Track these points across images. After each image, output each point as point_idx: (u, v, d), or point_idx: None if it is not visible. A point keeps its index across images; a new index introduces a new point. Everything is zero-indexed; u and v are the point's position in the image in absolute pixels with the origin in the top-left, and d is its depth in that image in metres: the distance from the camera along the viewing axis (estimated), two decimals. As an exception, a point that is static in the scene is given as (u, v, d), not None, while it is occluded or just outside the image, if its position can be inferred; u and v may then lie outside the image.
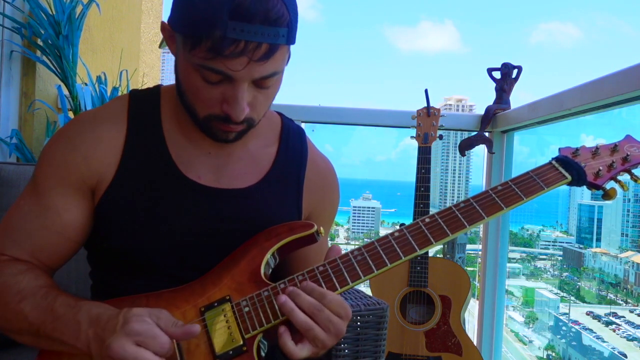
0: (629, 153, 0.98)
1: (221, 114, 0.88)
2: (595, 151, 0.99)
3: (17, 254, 0.95)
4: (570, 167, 0.95)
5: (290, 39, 0.84)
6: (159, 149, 0.97)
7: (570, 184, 0.95)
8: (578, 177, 0.95)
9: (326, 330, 0.84)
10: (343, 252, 0.92)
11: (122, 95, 1.03)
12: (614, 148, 0.99)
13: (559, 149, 0.99)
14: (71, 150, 0.95)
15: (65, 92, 2.21)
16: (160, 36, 4.00)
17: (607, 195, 0.96)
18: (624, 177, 0.99)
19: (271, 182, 1.01)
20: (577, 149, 0.99)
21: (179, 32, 0.86)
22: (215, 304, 0.89)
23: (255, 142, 1.02)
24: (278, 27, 0.81)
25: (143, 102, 1.00)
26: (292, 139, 1.06)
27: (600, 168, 0.96)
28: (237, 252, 0.95)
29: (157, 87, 1.03)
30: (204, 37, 0.80)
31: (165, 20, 0.91)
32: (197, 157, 0.98)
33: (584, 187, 0.97)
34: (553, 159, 0.97)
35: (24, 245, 0.95)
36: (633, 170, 0.99)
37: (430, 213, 0.94)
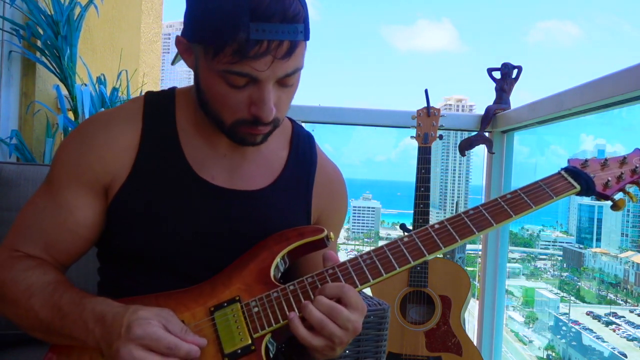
0: (637, 165, 0.99)
1: (249, 117, 0.89)
2: (604, 163, 1.00)
3: (30, 250, 0.96)
4: (579, 177, 0.96)
5: (307, 35, 0.86)
6: (173, 149, 0.98)
7: (579, 193, 0.96)
8: (587, 187, 0.96)
9: (344, 328, 0.85)
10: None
11: (137, 97, 1.04)
12: (622, 160, 1.00)
13: (568, 160, 1.01)
14: (86, 149, 0.96)
15: (65, 92, 2.21)
16: (160, 37, 4.00)
17: (616, 205, 0.97)
18: (633, 189, 1.00)
19: (282, 185, 1.03)
20: (586, 160, 1.00)
21: (199, 42, 0.87)
22: (225, 304, 0.90)
23: (268, 145, 1.02)
24: (296, 24, 0.83)
25: (158, 103, 1.01)
26: (302, 144, 1.08)
27: (609, 179, 0.97)
28: (247, 255, 0.95)
29: (173, 89, 1.04)
30: (228, 42, 0.81)
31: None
32: (211, 158, 0.99)
33: (592, 196, 0.98)
34: (562, 169, 0.99)
35: (37, 242, 0.96)
36: None
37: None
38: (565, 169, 0.98)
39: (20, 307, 0.90)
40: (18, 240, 0.97)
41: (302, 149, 1.07)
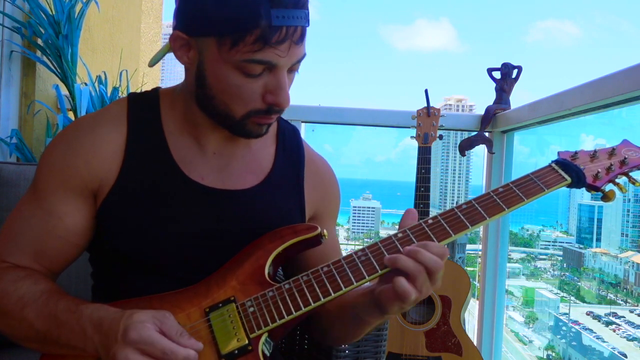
0: (626, 156, 0.99)
1: (263, 107, 0.90)
2: (594, 154, 1.00)
3: (18, 260, 0.95)
4: (569, 169, 0.96)
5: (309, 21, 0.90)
6: (160, 150, 0.97)
7: (569, 185, 0.96)
8: (577, 179, 0.95)
9: (432, 273, 0.83)
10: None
11: (120, 99, 1.02)
12: (611, 152, 1.00)
13: (558, 152, 1.00)
14: (72, 154, 0.94)
15: (65, 92, 2.21)
16: (160, 37, 3.99)
17: (606, 197, 0.97)
18: (622, 180, 1.00)
19: (273, 182, 1.02)
20: (575, 152, 1.00)
21: (211, 35, 0.86)
22: (220, 305, 0.89)
23: (256, 142, 1.02)
24: (305, 10, 0.87)
25: (142, 104, 1.00)
26: (288, 139, 1.07)
27: (599, 170, 0.97)
28: (241, 254, 0.95)
29: (156, 90, 1.03)
30: (249, 30, 0.83)
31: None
32: (200, 158, 0.98)
33: (584, 188, 0.98)
34: (552, 161, 0.98)
35: (25, 251, 0.95)
36: (630, 173, 1.00)
37: (430, 213, 0.94)
38: (556, 162, 0.98)
39: (14, 319, 0.89)
40: (5, 250, 0.95)
41: (289, 143, 1.07)
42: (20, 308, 0.88)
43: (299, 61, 0.90)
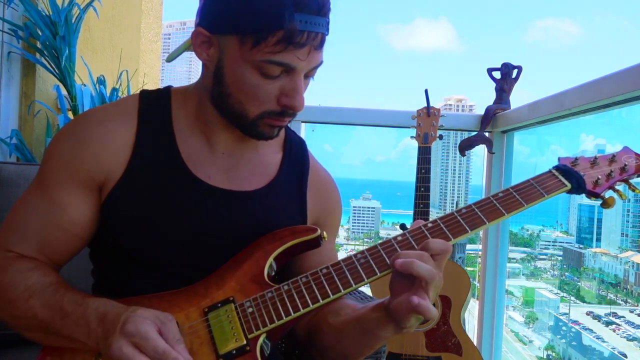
0: (626, 163, 1.00)
1: (277, 109, 0.92)
2: (594, 161, 1.00)
3: (23, 250, 0.95)
4: (570, 175, 0.97)
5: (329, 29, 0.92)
6: (168, 148, 0.97)
7: (569, 191, 0.97)
8: (578, 185, 0.96)
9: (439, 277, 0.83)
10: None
11: (132, 95, 1.03)
12: (612, 158, 1.01)
13: (559, 158, 1.01)
14: (80, 146, 0.95)
15: (64, 92, 2.21)
16: (160, 37, 3.99)
17: (606, 203, 0.98)
18: (622, 187, 1.01)
19: (277, 188, 1.03)
20: (576, 159, 1.01)
21: (234, 32, 0.87)
22: (219, 305, 0.90)
23: (264, 147, 1.04)
24: (327, 18, 0.89)
25: (154, 101, 1.00)
26: (294, 149, 1.09)
27: (599, 177, 0.98)
28: (240, 255, 0.95)
29: (168, 88, 1.04)
30: (272, 31, 0.85)
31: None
32: (208, 157, 0.99)
33: (583, 195, 0.98)
34: (553, 167, 0.99)
35: (30, 241, 0.95)
36: (630, 180, 1.01)
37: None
38: (556, 168, 0.98)
39: (19, 308, 0.89)
40: (10, 240, 0.96)
41: (295, 153, 1.08)
42: (27, 297, 0.89)
43: (316, 67, 0.92)
